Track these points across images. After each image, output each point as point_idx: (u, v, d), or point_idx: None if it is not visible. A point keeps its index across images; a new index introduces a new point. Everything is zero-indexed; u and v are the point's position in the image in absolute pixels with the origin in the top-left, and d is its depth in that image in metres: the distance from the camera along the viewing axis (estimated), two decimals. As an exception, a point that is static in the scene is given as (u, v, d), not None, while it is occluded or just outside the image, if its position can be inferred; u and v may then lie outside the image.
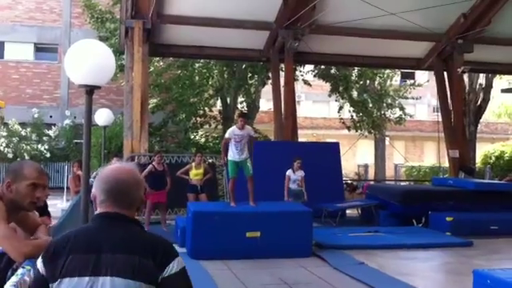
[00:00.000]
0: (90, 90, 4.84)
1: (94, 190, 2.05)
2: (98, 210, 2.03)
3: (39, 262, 1.96)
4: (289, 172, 11.49)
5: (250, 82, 22.71)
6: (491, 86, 22.76)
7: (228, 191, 11.08)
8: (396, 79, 26.33)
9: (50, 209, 4.92)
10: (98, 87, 4.89)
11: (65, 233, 2.06)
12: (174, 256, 1.95)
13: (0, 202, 2.60)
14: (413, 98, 24.73)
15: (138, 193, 2.06)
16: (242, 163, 9.24)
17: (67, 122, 22.77)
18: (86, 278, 1.86)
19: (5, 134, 21.45)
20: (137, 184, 2.06)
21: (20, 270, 2.28)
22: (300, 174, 11.45)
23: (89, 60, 4.75)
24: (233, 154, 9.19)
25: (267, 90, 20.52)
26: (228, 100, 23.25)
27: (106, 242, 1.91)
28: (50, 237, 2.76)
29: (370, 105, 23.71)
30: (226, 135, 9.41)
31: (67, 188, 13.73)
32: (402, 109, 24.39)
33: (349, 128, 24.00)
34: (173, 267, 1.92)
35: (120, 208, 2.00)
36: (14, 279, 2.21)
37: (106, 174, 2.04)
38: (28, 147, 21.42)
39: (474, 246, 10.27)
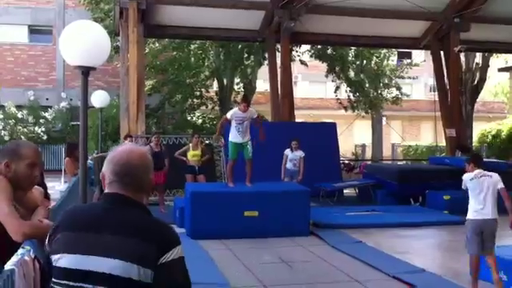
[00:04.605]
0: (86, 71, 4.82)
1: (104, 170, 2.03)
2: (106, 190, 2.02)
3: (48, 238, 1.99)
4: (287, 151, 11.49)
5: (246, 62, 22.59)
6: (488, 65, 22.69)
7: (226, 172, 11.09)
8: (393, 59, 26.22)
9: (48, 191, 4.92)
10: (94, 68, 4.87)
11: (72, 206, 2.06)
12: (176, 244, 1.92)
13: (5, 181, 2.60)
14: (409, 78, 24.70)
15: (147, 177, 2.03)
16: (243, 146, 9.16)
17: (63, 104, 22.69)
18: (82, 256, 1.86)
19: (1, 116, 21.40)
20: (147, 168, 2.03)
21: (20, 250, 2.30)
22: (299, 153, 11.42)
23: (83, 41, 4.72)
24: (234, 136, 9.08)
25: (264, 71, 20.42)
26: (224, 81, 23.17)
27: (107, 222, 1.91)
28: (49, 221, 2.76)
29: (367, 85, 23.65)
30: (227, 115, 9.23)
31: (65, 170, 13.75)
32: (398, 88, 24.35)
33: (346, 108, 23.97)
34: (172, 254, 1.88)
35: (127, 191, 1.97)
36: (14, 259, 2.23)
37: (117, 156, 2.01)
38: (25, 130, 21.39)
39: (471, 223, 10.33)
